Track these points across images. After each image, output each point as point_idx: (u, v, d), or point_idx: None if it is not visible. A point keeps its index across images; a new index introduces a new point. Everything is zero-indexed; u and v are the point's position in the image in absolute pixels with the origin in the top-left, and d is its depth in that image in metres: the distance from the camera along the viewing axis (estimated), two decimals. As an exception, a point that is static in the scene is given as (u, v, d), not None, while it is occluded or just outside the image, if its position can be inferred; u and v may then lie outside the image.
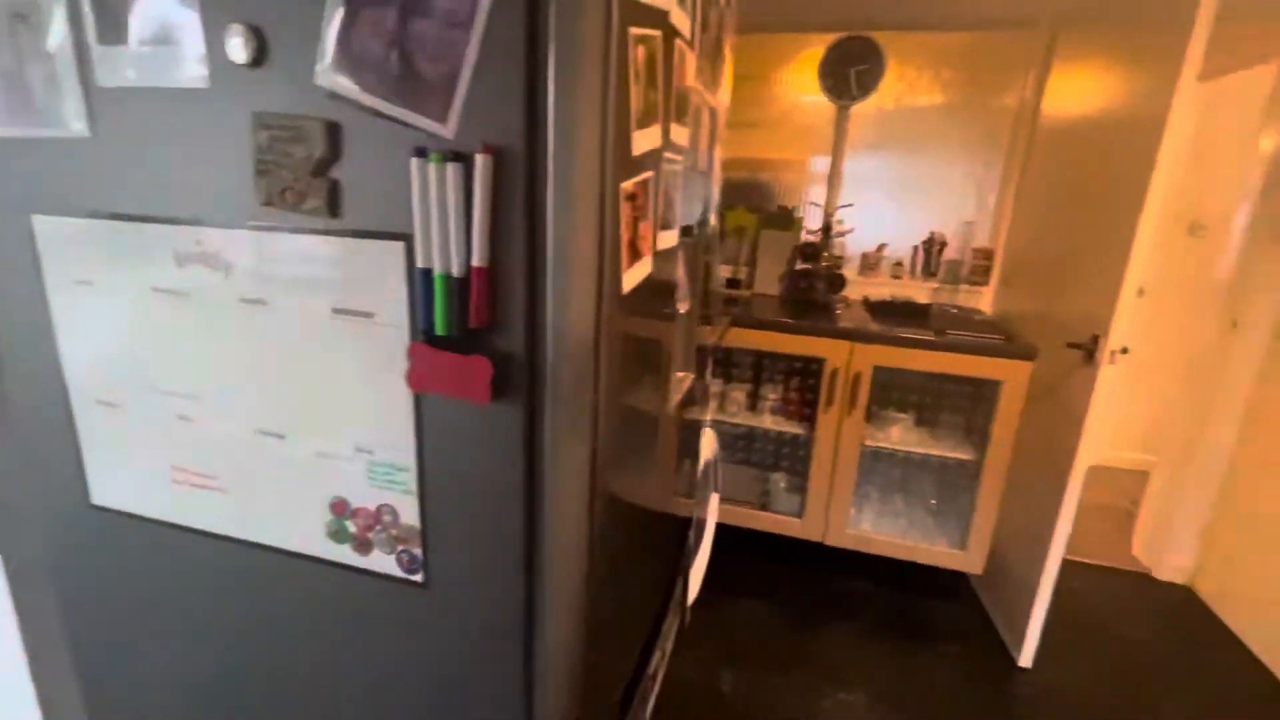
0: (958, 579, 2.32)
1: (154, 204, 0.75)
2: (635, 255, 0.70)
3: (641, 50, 0.63)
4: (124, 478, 0.90)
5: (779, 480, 2.50)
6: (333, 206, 0.67)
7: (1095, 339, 1.69)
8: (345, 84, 0.62)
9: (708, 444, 1.72)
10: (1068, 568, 2.35)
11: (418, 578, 0.78)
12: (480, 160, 0.60)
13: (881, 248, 2.54)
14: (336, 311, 0.71)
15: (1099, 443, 3.31)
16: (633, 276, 0.71)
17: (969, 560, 2.16)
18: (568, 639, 0.75)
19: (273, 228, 0.71)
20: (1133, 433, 3.29)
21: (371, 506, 0.77)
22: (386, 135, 0.63)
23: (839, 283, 2.39)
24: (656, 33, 0.67)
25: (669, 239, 0.84)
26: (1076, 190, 1.93)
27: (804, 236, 2.56)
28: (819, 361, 2.16)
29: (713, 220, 1.38)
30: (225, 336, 0.78)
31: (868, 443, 2.22)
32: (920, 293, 2.51)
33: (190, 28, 0.68)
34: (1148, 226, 1.55)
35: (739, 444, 2.63)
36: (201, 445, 0.84)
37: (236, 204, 0.71)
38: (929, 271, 2.50)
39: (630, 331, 0.78)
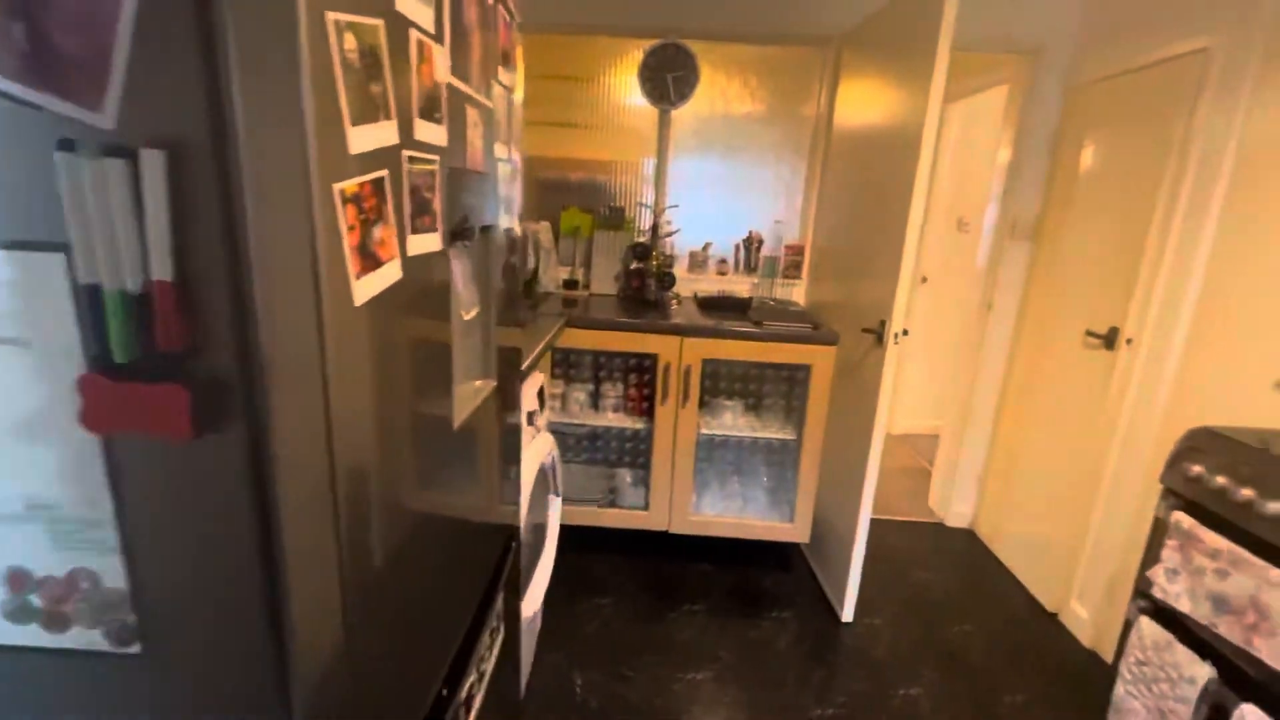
0: (790, 550, 2.53)
1: None
2: (372, 262, 0.65)
3: (351, 38, 0.59)
4: None
5: (625, 475, 2.55)
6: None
7: (882, 324, 1.92)
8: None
9: (542, 448, 1.70)
10: (877, 526, 2.67)
11: (133, 649, 0.66)
12: (146, 155, 0.51)
13: (707, 246, 2.68)
14: (-18, 342, 0.57)
15: (896, 413, 3.81)
16: (371, 285, 0.65)
17: (797, 531, 2.36)
18: (329, 695, 0.68)
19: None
20: (926, 402, 3.82)
21: (61, 574, 0.64)
22: (31, 126, 0.52)
23: (669, 281, 2.49)
24: (376, 21, 0.63)
25: (428, 243, 0.79)
26: (864, 192, 2.17)
27: (637, 237, 2.63)
28: (653, 358, 2.23)
29: (512, 222, 1.35)
30: None
31: (703, 431, 2.33)
32: (743, 287, 2.69)
33: None
34: (915, 225, 1.79)
35: (583, 444, 2.65)
36: None
37: None
38: (750, 267, 2.68)
39: (384, 343, 0.72)
